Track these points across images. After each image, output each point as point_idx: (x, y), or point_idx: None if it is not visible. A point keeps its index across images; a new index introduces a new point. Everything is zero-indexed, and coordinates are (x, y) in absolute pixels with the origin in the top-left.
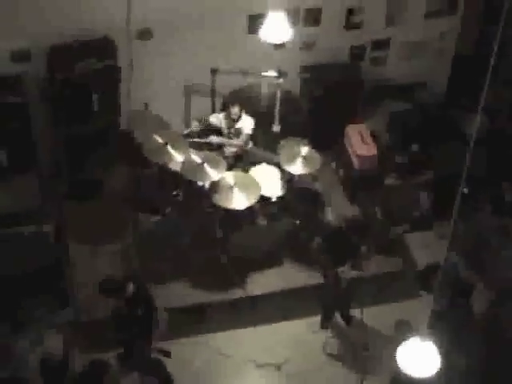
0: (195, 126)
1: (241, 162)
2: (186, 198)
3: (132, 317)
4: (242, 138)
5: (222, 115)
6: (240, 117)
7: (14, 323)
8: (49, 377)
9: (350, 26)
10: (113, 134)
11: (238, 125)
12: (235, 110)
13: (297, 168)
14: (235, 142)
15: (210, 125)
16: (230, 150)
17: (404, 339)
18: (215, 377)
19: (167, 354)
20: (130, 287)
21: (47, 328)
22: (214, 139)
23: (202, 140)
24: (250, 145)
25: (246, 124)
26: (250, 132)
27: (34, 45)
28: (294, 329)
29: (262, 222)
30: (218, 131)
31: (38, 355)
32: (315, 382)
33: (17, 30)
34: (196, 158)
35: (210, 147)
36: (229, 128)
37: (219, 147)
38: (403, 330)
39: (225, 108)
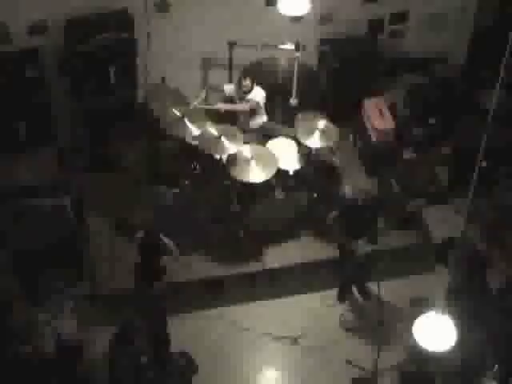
0: (203, 94)
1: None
2: (204, 171)
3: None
4: (251, 103)
5: (233, 86)
6: (251, 89)
7: (33, 296)
8: (64, 360)
9: None
10: (130, 108)
11: (249, 96)
12: (246, 82)
13: (314, 141)
14: (239, 106)
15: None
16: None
17: (421, 313)
18: (232, 350)
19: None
20: (140, 233)
21: (65, 301)
22: (220, 106)
23: (210, 107)
24: (264, 118)
25: (257, 95)
26: (261, 102)
27: (51, 17)
28: (310, 302)
29: (279, 195)
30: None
31: (55, 330)
32: (332, 355)
33: (34, 3)
34: (213, 130)
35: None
36: (240, 99)
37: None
38: (420, 304)
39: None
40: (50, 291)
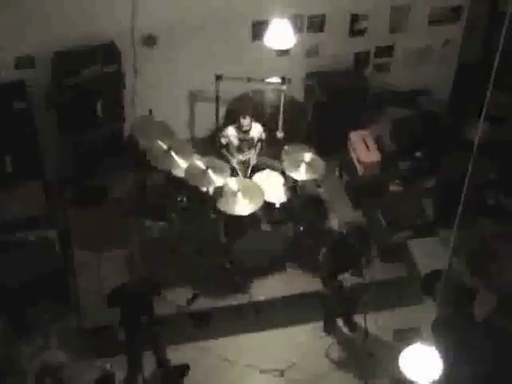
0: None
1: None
2: (191, 203)
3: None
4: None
5: (232, 130)
6: (251, 127)
7: (18, 329)
8: None
9: (354, 32)
10: (117, 141)
11: (250, 135)
12: (246, 121)
13: (300, 174)
14: (257, 150)
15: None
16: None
17: (407, 345)
18: (219, 383)
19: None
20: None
21: (51, 335)
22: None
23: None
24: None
25: (258, 132)
26: (264, 137)
27: (39, 51)
28: (297, 334)
29: (265, 227)
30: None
31: (39, 364)
32: None
33: (21, 36)
34: (200, 163)
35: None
36: (241, 140)
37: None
38: (406, 336)
39: (230, 121)
40: (36, 324)
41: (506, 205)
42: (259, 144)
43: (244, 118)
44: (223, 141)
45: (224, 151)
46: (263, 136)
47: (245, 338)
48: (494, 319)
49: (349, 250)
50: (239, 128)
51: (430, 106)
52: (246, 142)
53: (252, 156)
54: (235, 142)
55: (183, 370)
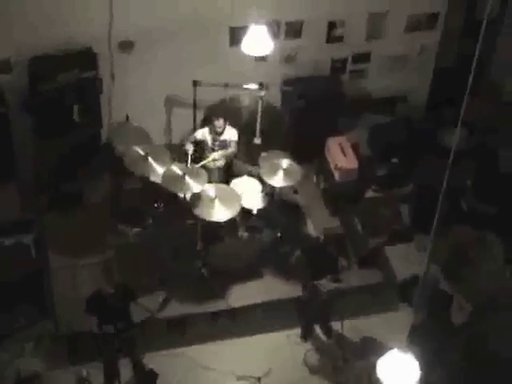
0: (190, 148)
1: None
2: (167, 209)
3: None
4: (232, 146)
5: (206, 130)
6: (224, 129)
7: None
8: None
9: (331, 39)
10: (94, 146)
11: (223, 137)
12: (220, 122)
13: (278, 180)
14: (229, 151)
15: (198, 142)
16: (218, 163)
17: (384, 351)
18: None
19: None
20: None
21: (26, 340)
22: (214, 154)
23: (207, 161)
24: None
25: (231, 134)
26: (237, 140)
27: (15, 55)
28: (274, 341)
29: (242, 234)
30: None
31: (15, 370)
32: None
33: None
34: (177, 169)
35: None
36: (214, 141)
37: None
38: (383, 342)
39: (206, 122)
40: (11, 331)
41: (481, 211)
42: (232, 147)
43: (217, 119)
44: (198, 136)
45: (188, 157)
46: (235, 138)
47: (221, 344)
48: (469, 325)
49: (326, 255)
50: (212, 129)
51: (407, 113)
52: (218, 144)
53: (217, 155)
54: (208, 141)
55: (153, 377)
